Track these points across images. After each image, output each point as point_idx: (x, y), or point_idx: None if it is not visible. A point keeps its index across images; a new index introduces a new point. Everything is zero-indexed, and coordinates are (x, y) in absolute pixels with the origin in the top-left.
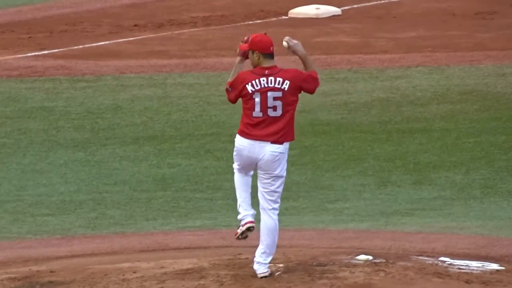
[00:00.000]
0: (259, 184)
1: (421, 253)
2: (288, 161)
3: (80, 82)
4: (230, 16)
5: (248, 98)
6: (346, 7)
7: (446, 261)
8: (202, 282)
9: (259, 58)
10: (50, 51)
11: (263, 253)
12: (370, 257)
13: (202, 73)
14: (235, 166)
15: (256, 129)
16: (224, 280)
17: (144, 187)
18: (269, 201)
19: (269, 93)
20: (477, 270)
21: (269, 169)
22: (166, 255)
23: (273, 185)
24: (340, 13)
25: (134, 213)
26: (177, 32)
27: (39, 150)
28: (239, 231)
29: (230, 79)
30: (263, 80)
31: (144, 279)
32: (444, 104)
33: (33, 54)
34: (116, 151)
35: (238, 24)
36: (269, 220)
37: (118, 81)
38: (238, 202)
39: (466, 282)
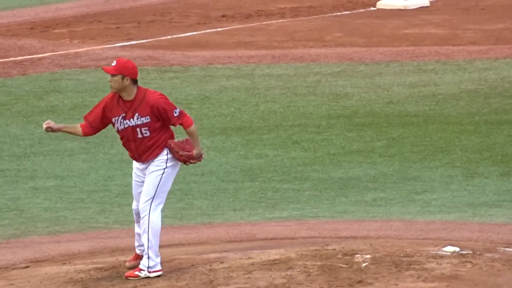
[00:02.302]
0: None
1: (509, 245)
2: (375, 152)
3: (168, 73)
4: (318, 7)
5: None
6: None
7: None
8: (289, 272)
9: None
10: (138, 42)
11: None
12: (457, 249)
13: (290, 64)
14: (161, 196)
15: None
16: (311, 270)
17: (232, 178)
18: None
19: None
20: None
21: None
22: (253, 245)
23: None
24: (428, 4)
25: (222, 203)
26: (265, 23)
27: None
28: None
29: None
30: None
31: (231, 270)
32: None
33: (121, 44)
34: (203, 141)
35: (326, 15)
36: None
37: (206, 71)
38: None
39: None
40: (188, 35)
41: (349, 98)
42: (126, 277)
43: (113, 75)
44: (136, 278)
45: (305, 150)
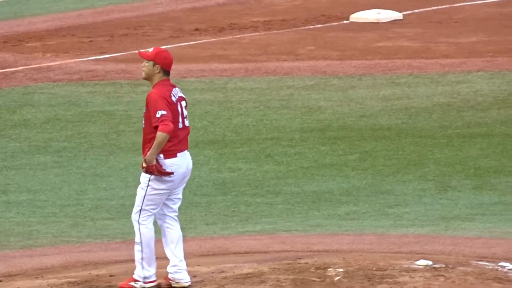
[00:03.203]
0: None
1: (481, 258)
2: (348, 166)
3: (141, 86)
4: (291, 20)
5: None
6: (407, 12)
7: (506, 266)
8: (262, 286)
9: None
10: (111, 55)
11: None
12: (430, 262)
13: (263, 77)
14: (149, 209)
15: (182, 141)
16: (284, 284)
17: (204, 191)
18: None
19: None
20: None
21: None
22: (226, 259)
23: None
24: (401, 17)
25: (194, 217)
26: (238, 36)
27: (99, 154)
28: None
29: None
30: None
31: (204, 284)
32: (505, 109)
33: (94, 58)
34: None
35: (299, 28)
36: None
37: (179, 85)
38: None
39: None
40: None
41: (322, 111)
42: (120, 287)
43: (146, 61)
44: None
45: (278, 163)
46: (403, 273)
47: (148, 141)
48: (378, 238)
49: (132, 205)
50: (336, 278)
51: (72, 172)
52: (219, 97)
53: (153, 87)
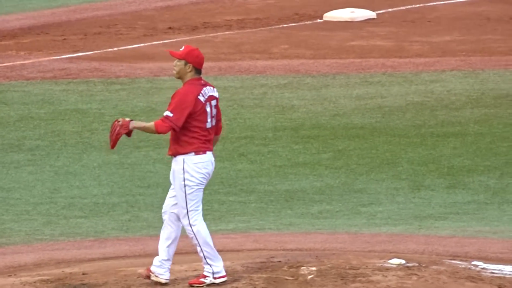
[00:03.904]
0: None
1: (454, 257)
2: (321, 164)
3: (114, 85)
4: (265, 19)
5: (201, 110)
6: (381, 11)
7: (479, 265)
8: (235, 285)
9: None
10: (85, 53)
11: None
12: (403, 261)
13: (236, 76)
14: (194, 208)
15: (210, 141)
16: (257, 283)
17: None
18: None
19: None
20: (510, 274)
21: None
22: (198, 258)
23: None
24: (375, 16)
25: None
26: (211, 35)
27: (72, 152)
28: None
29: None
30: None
31: (177, 282)
32: (479, 108)
33: (67, 56)
34: (150, 153)
35: (273, 27)
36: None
37: (152, 83)
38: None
39: (499, 287)
40: (135, 47)
41: (295, 110)
42: (190, 284)
43: (177, 60)
44: (201, 285)
45: (251, 162)
46: (376, 272)
47: (174, 137)
48: (351, 237)
49: (105, 203)
50: (309, 277)
51: (46, 170)
52: None
53: (184, 85)
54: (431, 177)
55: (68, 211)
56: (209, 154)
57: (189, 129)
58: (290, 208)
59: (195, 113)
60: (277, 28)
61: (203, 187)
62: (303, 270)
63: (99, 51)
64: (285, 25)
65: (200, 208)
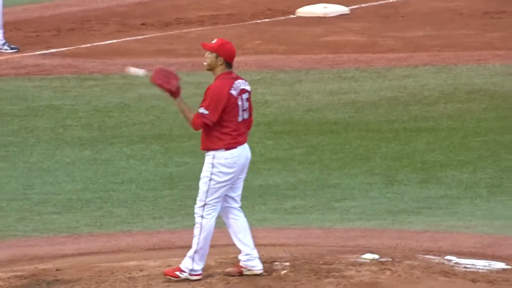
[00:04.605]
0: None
1: (428, 252)
2: (294, 159)
3: (88, 81)
4: (237, 15)
5: (233, 104)
6: (354, 6)
7: (452, 260)
8: (208, 280)
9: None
10: (58, 50)
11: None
12: (377, 256)
13: (209, 72)
14: (213, 203)
15: (242, 134)
16: (230, 278)
17: (151, 186)
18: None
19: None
20: (483, 269)
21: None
22: (172, 253)
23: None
24: (348, 12)
25: (141, 211)
26: (184, 30)
27: (46, 148)
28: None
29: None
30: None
31: (151, 278)
32: (452, 103)
33: (40, 52)
34: (123, 149)
35: (246, 23)
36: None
37: (126, 79)
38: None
39: (472, 281)
40: (108, 43)
41: (268, 105)
42: (165, 274)
43: (208, 52)
44: (174, 278)
45: None
46: (350, 267)
47: (205, 133)
48: (324, 232)
49: (79, 199)
50: (283, 272)
51: (19, 166)
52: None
53: (215, 80)
54: (404, 172)
55: (42, 207)
56: (240, 148)
57: (221, 124)
58: (263, 204)
59: (227, 107)
60: (250, 23)
61: (228, 186)
62: (277, 265)
63: (72, 47)
64: (258, 21)
65: (219, 206)
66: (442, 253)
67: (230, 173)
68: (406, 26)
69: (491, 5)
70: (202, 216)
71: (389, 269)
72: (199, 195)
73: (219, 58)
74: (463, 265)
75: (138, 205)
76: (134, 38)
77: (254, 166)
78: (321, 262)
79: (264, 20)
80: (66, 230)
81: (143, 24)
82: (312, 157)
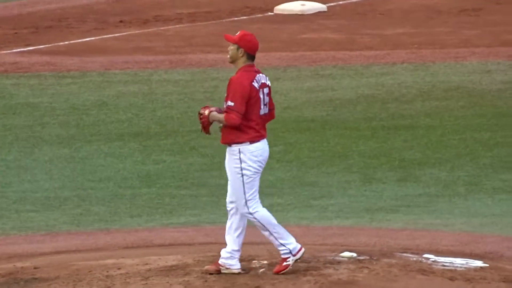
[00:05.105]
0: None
1: (406, 250)
2: (272, 157)
3: (66, 78)
4: (215, 12)
5: (255, 97)
6: (331, 4)
7: (430, 258)
8: (186, 278)
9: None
10: (36, 47)
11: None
12: (354, 254)
13: (187, 69)
14: (252, 196)
15: (264, 128)
16: (208, 276)
17: (129, 184)
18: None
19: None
20: (461, 267)
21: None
22: (150, 251)
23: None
24: (325, 9)
25: (119, 209)
26: (162, 28)
27: (23, 146)
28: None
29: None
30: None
31: (128, 276)
32: (429, 101)
33: (18, 50)
34: (101, 147)
35: (224, 20)
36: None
37: (103, 77)
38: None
39: (450, 279)
40: (86, 41)
41: None
42: (276, 273)
43: (231, 44)
44: (287, 269)
45: (202, 156)
46: (328, 265)
47: (226, 125)
48: (302, 230)
49: (57, 197)
50: (261, 270)
51: None
52: (144, 89)
53: (237, 72)
54: (382, 170)
55: (20, 205)
56: (263, 142)
57: (245, 117)
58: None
59: (251, 99)
60: (227, 21)
61: (260, 175)
62: (255, 263)
63: (50, 45)
64: (235, 18)
65: (258, 196)
66: (420, 251)
67: (259, 164)
68: (384, 23)
69: (468, 3)
70: (251, 213)
71: (367, 267)
72: (235, 194)
73: (240, 49)
74: (441, 263)
75: (116, 203)
76: (112, 35)
77: None
78: (299, 260)
79: (242, 18)
80: (44, 228)
81: (121, 21)
82: (290, 155)
